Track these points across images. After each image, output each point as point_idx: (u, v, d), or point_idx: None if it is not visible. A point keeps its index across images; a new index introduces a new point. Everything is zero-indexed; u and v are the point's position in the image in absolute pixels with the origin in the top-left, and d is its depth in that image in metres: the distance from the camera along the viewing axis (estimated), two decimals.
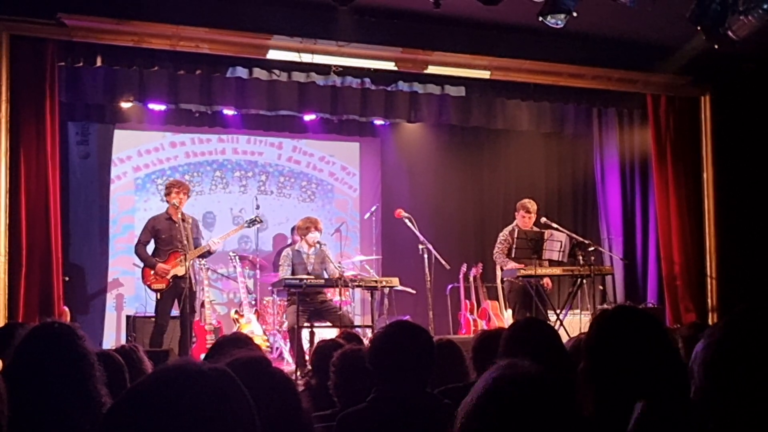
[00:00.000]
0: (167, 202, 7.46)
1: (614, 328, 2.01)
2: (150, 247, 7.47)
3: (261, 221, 8.01)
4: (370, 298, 7.77)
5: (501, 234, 8.08)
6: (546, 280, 7.91)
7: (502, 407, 1.33)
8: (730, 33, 6.63)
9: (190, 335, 7.31)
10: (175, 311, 7.37)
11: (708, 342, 1.46)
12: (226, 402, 1.15)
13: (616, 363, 1.92)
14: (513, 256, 7.79)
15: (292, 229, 9.21)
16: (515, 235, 7.76)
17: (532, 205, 8.05)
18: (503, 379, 1.36)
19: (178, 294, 7.24)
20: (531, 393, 1.34)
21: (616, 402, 1.89)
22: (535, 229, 8.02)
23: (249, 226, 7.95)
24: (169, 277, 7.25)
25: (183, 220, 7.32)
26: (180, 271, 7.25)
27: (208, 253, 7.58)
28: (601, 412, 1.90)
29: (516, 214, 8.14)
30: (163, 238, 7.37)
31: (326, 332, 7.46)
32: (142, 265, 7.43)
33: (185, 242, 7.23)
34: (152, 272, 7.29)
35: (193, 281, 7.21)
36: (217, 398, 1.15)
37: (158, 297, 7.29)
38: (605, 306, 8.68)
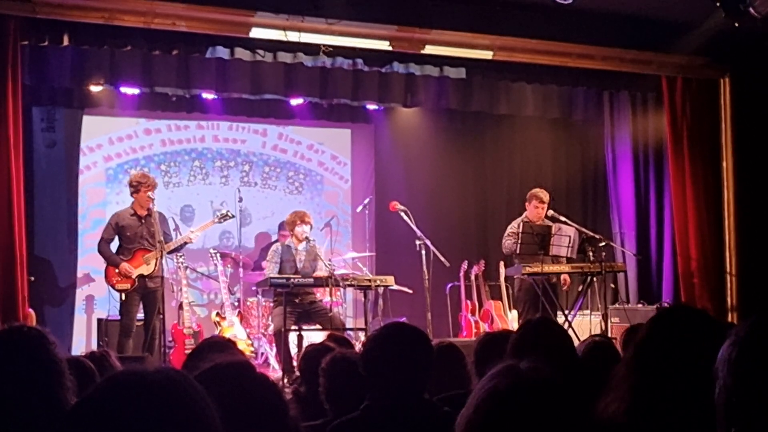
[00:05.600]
0: (135, 199, 7.45)
1: (674, 329, 2.00)
2: (114, 245, 7.49)
3: (232, 216, 8.03)
4: (363, 299, 7.75)
5: (510, 227, 8.07)
6: (564, 277, 7.95)
7: (504, 420, 1.31)
8: (751, 9, 6.64)
9: (160, 340, 7.32)
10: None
11: (735, 339, 1.46)
12: (182, 407, 1.18)
13: (667, 365, 1.91)
14: (517, 251, 7.79)
15: (280, 225, 9.20)
16: (520, 229, 7.76)
17: (545, 195, 8.06)
18: (503, 388, 1.34)
19: (144, 294, 7.32)
20: (536, 402, 1.32)
21: (650, 405, 1.87)
22: (542, 222, 8.02)
23: (220, 222, 7.99)
24: (134, 276, 7.27)
25: (149, 215, 7.33)
26: (146, 270, 7.31)
27: (182, 246, 7.64)
28: (634, 413, 1.88)
29: (527, 204, 8.12)
30: (128, 235, 7.41)
31: (315, 335, 7.45)
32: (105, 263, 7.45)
33: (153, 239, 7.27)
34: (116, 271, 7.31)
35: (162, 279, 7.25)
36: (171, 404, 1.17)
37: (122, 298, 7.33)
38: (618, 306, 8.71)
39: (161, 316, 7.29)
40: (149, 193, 7.37)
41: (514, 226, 8.00)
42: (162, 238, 7.20)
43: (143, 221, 7.40)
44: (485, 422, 1.32)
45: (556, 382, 1.37)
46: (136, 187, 7.45)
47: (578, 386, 2.35)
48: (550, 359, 2.54)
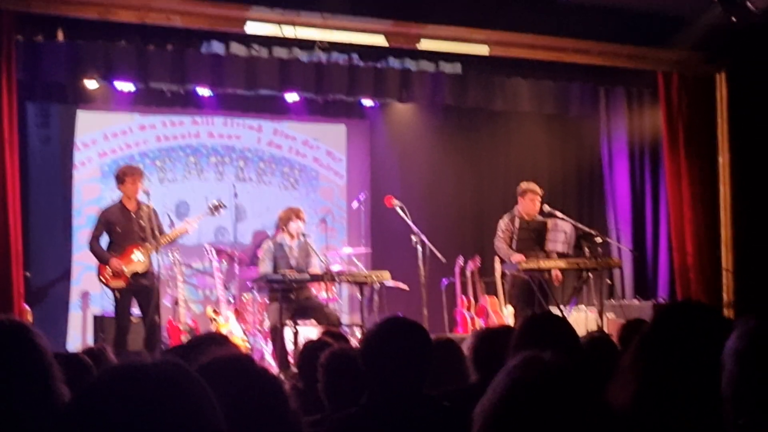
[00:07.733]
0: (123, 191, 7.29)
1: (680, 322, 2.00)
2: (104, 242, 7.32)
3: (224, 206, 7.94)
4: (358, 295, 7.74)
5: (501, 221, 8.01)
6: (555, 273, 7.89)
7: (531, 411, 1.30)
8: (748, 4, 6.63)
9: (159, 337, 7.27)
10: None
11: (742, 332, 1.46)
12: (182, 399, 1.17)
13: (673, 357, 1.91)
14: (514, 247, 7.77)
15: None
16: (516, 224, 7.74)
17: (538, 187, 8.02)
18: (531, 380, 1.33)
19: (138, 291, 7.16)
20: (562, 394, 1.31)
21: (657, 395, 1.88)
22: (538, 218, 8.00)
23: (212, 214, 7.88)
24: (128, 274, 7.13)
25: (139, 209, 7.25)
26: (140, 267, 7.14)
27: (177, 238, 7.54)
28: (641, 403, 1.88)
29: (520, 198, 8.02)
30: (119, 231, 7.20)
31: (311, 331, 7.45)
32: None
33: (144, 233, 7.15)
34: (108, 268, 7.18)
35: (154, 275, 7.17)
36: (172, 396, 1.17)
37: (117, 296, 7.18)
38: (613, 301, 8.71)
39: (158, 313, 7.23)
40: (138, 184, 7.24)
41: (503, 225, 7.94)
42: (158, 233, 7.14)
43: (133, 216, 7.25)
44: (511, 413, 1.32)
45: (580, 374, 1.37)
46: (121, 178, 7.28)
47: (588, 379, 2.35)
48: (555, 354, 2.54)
